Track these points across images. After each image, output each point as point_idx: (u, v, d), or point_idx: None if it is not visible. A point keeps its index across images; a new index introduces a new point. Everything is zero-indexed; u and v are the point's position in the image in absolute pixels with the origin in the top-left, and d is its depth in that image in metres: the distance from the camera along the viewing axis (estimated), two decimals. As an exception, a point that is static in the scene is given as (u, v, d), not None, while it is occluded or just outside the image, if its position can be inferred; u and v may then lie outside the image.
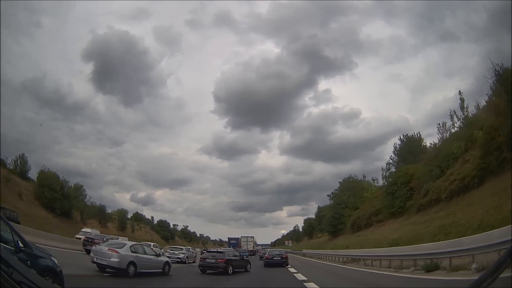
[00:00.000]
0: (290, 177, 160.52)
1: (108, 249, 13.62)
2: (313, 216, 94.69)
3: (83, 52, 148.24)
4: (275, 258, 24.92)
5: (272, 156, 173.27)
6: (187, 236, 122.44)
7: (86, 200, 70.01)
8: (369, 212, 40.63)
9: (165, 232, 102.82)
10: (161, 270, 15.83)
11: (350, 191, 53.12)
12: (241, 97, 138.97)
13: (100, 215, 75.30)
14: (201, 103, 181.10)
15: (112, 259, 13.13)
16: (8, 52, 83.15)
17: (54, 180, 55.91)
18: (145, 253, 15.28)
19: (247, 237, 72.09)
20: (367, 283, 13.56)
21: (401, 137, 43.37)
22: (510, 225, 10.60)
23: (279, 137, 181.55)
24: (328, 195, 62.69)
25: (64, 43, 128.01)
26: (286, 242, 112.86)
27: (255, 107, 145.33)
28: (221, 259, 18.06)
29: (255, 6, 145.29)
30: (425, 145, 40.42)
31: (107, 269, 13.51)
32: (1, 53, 65.55)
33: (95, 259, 13.59)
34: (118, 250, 13.57)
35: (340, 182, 59.58)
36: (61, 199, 55.09)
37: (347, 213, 49.51)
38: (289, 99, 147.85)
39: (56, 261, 6.67)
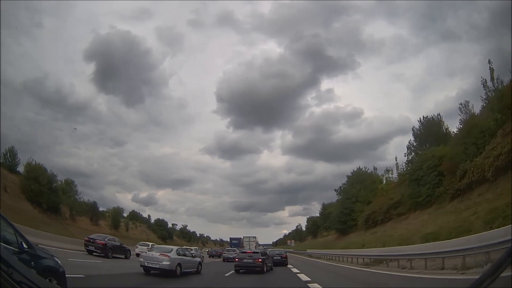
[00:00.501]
0: (292, 176, 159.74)
1: (160, 254, 15.27)
2: (316, 216, 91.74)
3: (84, 52, 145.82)
4: (275, 258, 25.57)
5: (274, 156, 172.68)
6: (186, 235, 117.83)
7: (78, 196, 65.40)
8: (386, 205, 35.97)
9: (162, 232, 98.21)
10: (196, 269, 17.75)
11: (361, 184, 48.51)
12: (244, 96, 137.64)
13: (92, 213, 70.88)
14: (203, 103, 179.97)
15: (163, 263, 14.71)
16: (9, 53, 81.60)
17: (41, 173, 51.51)
18: (186, 255, 17.19)
19: (249, 237, 71.98)
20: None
21: (421, 119, 39.04)
22: (510, 225, 10.40)
23: (281, 136, 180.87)
24: (335, 190, 58.28)
25: (65, 43, 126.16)
26: (289, 241, 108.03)
27: (258, 106, 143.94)
28: (259, 259, 18.72)
29: (257, 6, 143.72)
30: (447, 128, 36.39)
31: (152, 271, 15.01)
32: (1, 53, 63.77)
33: (146, 263, 15.10)
34: (168, 254, 15.25)
35: (348, 176, 55.02)
36: (48, 193, 50.66)
37: (358, 208, 44.93)
38: (291, 99, 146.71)
39: (59, 262, 6.86)
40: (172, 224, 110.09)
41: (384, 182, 45.94)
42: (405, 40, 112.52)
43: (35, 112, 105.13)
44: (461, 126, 30.20)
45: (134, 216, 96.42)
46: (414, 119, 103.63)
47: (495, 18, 54.06)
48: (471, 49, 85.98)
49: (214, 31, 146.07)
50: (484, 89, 26.12)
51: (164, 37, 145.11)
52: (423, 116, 39.04)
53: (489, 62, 26.92)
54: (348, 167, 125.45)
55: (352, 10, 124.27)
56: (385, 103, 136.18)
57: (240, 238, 77.67)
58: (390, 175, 46.39)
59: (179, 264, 15.27)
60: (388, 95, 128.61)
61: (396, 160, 44.10)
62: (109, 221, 76.09)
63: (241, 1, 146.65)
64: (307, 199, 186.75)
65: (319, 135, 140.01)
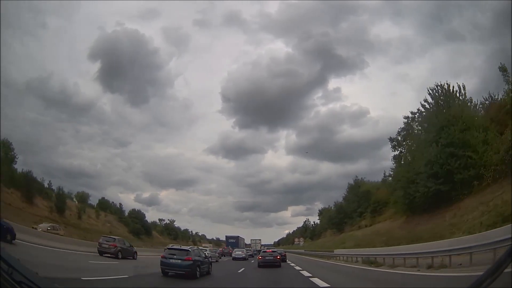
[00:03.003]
0: (296, 176, 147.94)
1: (241, 252, 36.22)
2: (335, 204, 70.22)
3: (89, 50, 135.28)
4: None
5: (278, 156, 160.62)
6: (172, 232, 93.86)
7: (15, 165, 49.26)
8: None
9: (136, 225, 73.66)
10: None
11: (450, 116, 24.77)
12: (250, 96, 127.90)
13: (26, 187, 47.86)
14: (209, 103, 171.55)
15: (244, 255, 34.93)
16: (12, 53, 77.79)
17: None
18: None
19: (256, 239, 75.96)
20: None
21: None
22: (510, 224, 10.38)
23: (285, 136, 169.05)
24: (390, 139, 34.94)
25: (70, 43, 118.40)
26: (296, 240, 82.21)
27: (263, 106, 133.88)
28: (278, 256, 22.55)
29: (264, 6, 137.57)
30: None
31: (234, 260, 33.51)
32: (1, 53, 61.11)
33: (235, 256, 34.72)
34: (245, 252, 37.99)
35: (423, 105, 30.98)
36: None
37: (477, 140, 21.58)
38: (298, 98, 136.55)
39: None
40: (159, 220, 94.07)
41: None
42: (410, 40, 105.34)
43: (38, 112, 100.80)
44: None
45: (104, 204, 75.40)
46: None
47: (498, 18, 49.80)
48: (475, 49, 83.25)
49: (220, 31, 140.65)
50: None
51: (170, 37, 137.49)
52: None
53: None
54: (353, 167, 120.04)
55: (359, 11, 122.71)
56: (391, 103, 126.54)
57: (237, 236, 70.43)
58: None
59: (249, 255, 39.43)
60: (394, 95, 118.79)
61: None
62: (54, 202, 52.95)
63: (248, 1, 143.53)
64: (311, 199, 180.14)
65: (324, 135, 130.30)
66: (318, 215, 78.58)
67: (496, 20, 55.61)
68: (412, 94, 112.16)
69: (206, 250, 30.18)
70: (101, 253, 22.18)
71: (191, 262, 13.37)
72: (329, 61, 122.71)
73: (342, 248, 37.60)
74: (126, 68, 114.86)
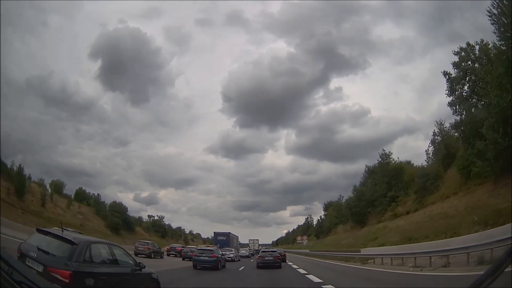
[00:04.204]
0: (296, 176, 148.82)
1: (245, 251, 47.65)
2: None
3: (91, 49, 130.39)
4: None
5: (279, 155, 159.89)
6: (159, 229, 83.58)
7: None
8: None
9: (115, 219, 62.78)
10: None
11: None
12: (251, 95, 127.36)
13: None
14: (210, 102, 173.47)
15: (248, 254, 46.10)
16: (13, 51, 77.10)
17: None
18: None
19: (253, 239, 75.29)
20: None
21: None
22: (510, 224, 10.18)
23: (286, 136, 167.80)
24: (444, 74, 25.74)
25: (71, 42, 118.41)
26: (299, 238, 72.05)
27: (265, 105, 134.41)
28: (278, 256, 22.12)
29: (267, 5, 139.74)
30: None
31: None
32: (1, 51, 57.79)
33: (240, 254, 38.81)
34: (247, 250, 50.00)
35: (457, 54, 24.24)
36: None
37: None
38: (299, 98, 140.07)
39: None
40: (148, 216, 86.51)
41: None
42: (412, 41, 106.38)
43: (39, 111, 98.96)
44: None
45: (81, 194, 65.75)
46: (418, 120, 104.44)
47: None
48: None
49: (222, 31, 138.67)
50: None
51: (172, 36, 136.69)
52: None
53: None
54: (353, 167, 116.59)
55: (362, 11, 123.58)
56: (391, 103, 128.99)
57: (229, 233, 58.49)
58: None
59: (252, 254, 46.70)
60: (395, 95, 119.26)
61: None
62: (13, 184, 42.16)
63: (251, 1, 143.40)
64: (310, 199, 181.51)
65: (324, 135, 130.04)
66: (324, 210, 69.42)
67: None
68: (413, 94, 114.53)
69: (232, 250, 34.75)
70: (136, 254, 25.34)
71: (216, 258, 19.45)
72: (331, 60, 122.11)
73: (377, 246, 27.50)
74: (127, 67, 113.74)
